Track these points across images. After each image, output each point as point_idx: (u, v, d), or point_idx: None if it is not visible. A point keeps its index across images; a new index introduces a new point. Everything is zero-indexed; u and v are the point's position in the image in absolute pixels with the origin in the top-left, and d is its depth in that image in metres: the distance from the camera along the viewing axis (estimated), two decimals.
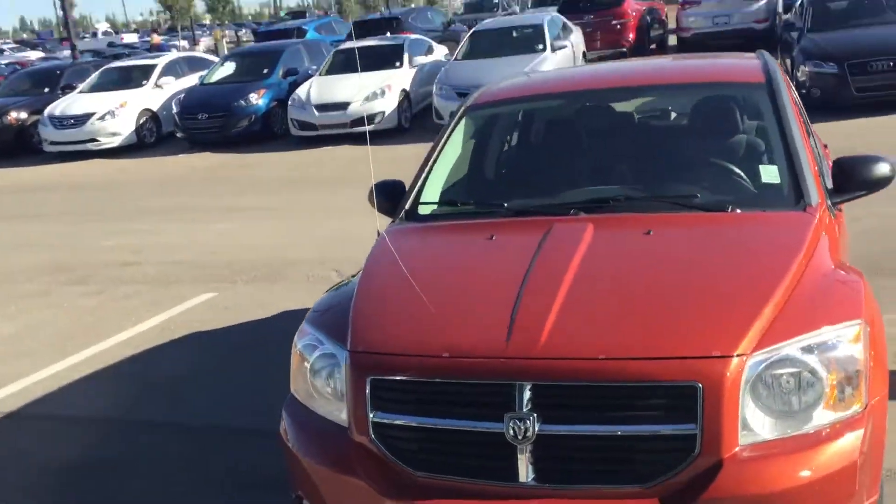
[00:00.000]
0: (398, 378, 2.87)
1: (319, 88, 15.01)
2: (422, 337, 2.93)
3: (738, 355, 2.58)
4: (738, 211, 3.38)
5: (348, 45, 16.86)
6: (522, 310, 2.87)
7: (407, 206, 3.99)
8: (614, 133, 4.16)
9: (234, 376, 5.65)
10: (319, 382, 3.12)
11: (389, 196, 4.14)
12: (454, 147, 4.30)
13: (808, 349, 2.65)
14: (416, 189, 4.05)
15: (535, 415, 2.64)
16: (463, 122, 4.35)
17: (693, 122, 4.11)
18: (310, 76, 16.05)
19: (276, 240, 9.34)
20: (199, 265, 8.60)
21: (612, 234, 3.34)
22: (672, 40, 20.41)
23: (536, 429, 2.64)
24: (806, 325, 2.70)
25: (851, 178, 3.56)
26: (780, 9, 19.17)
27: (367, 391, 2.89)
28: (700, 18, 18.45)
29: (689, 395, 2.55)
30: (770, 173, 3.60)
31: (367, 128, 14.31)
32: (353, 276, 3.77)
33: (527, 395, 2.67)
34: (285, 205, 11.15)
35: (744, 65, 4.32)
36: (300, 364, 3.23)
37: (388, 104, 14.60)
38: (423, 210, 3.99)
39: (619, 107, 4.29)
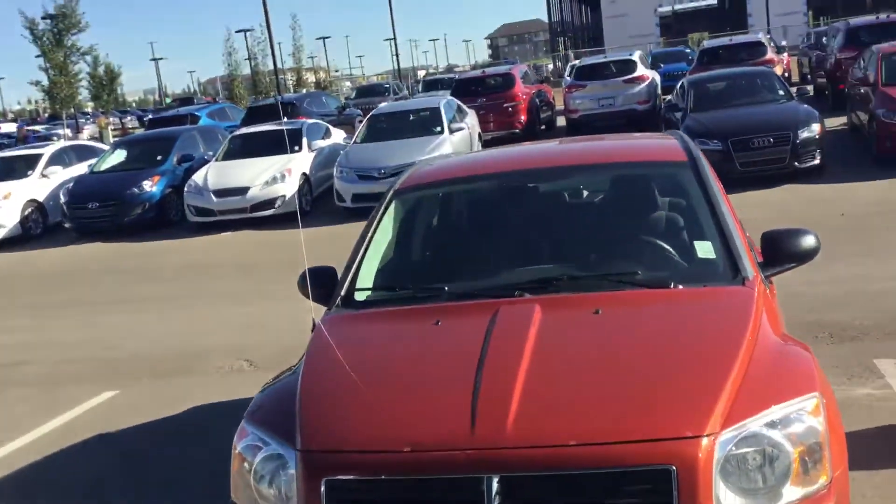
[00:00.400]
0: (356, 478, 2.72)
1: (217, 173, 14.76)
2: (379, 431, 2.80)
3: (708, 435, 2.55)
4: (681, 287, 3.40)
5: (245, 130, 16.72)
6: (483, 397, 2.78)
7: (343, 293, 3.87)
8: (546, 213, 4.18)
9: (145, 482, 5.30)
10: (265, 487, 2.93)
11: (320, 283, 4.01)
12: (384, 231, 4.23)
13: (771, 425, 2.64)
14: (351, 275, 3.94)
15: None
16: (392, 205, 4.29)
17: (622, 201, 4.18)
18: (206, 162, 15.79)
19: (180, 331, 8.98)
20: (97, 362, 8.15)
21: (561, 315, 3.30)
22: (560, 121, 21.08)
23: None
24: (766, 400, 2.71)
25: (780, 251, 3.65)
26: (659, 91, 20.15)
27: (322, 493, 2.71)
28: (587, 101, 19.19)
29: (664, 478, 2.50)
30: (705, 249, 3.66)
31: (268, 212, 14.12)
32: (290, 369, 3.60)
33: (495, 487, 2.56)
34: (187, 293, 10.77)
35: (664, 144, 4.44)
36: (242, 468, 3.03)
37: (288, 188, 14.46)
38: (360, 296, 3.87)
39: (548, 187, 4.32)
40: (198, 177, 14.88)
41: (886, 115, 12.01)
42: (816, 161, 12.13)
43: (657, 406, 2.69)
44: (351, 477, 2.72)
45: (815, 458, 2.63)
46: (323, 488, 2.72)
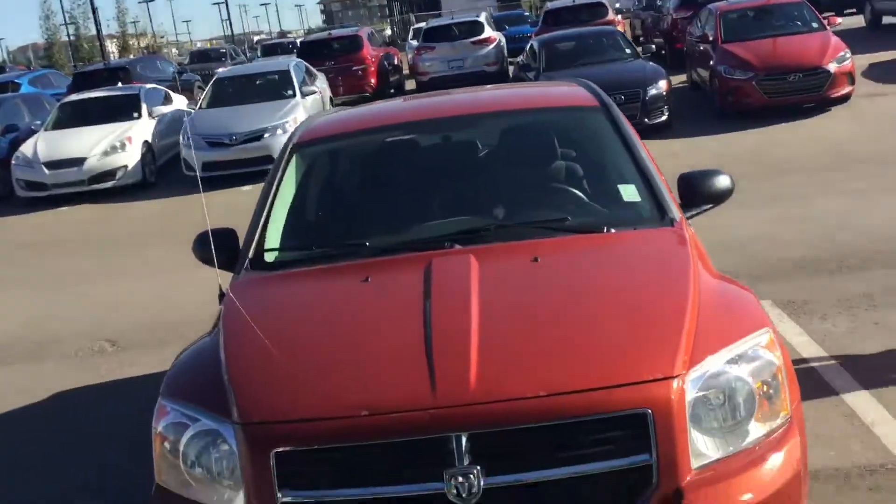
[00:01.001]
0: (310, 448, 2.48)
1: (48, 144, 13.66)
2: (330, 397, 2.57)
3: (678, 376, 2.48)
4: (613, 231, 3.33)
5: (75, 97, 15.54)
6: (438, 354, 2.59)
7: (251, 255, 3.57)
8: (463, 163, 4.01)
9: (12, 477, 4.81)
10: (197, 467, 2.64)
11: (219, 246, 3.68)
12: (287, 188, 3.94)
13: (732, 361, 2.60)
14: (258, 235, 3.64)
15: (478, 468, 2.37)
16: (294, 160, 4.00)
17: (539, 147, 4.06)
18: (33, 132, 14.59)
19: (27, 314, 8.25)
20: None
21: (499, 265, 3.15)
22: (410, 84, 20.91)
23: (482, 483, 2.36)
24: (723, 338, 2.67)
25: (697, 192, 3.65)
26: (505, 53, 20.31)
27: (272, 467, 2.46)
28: (436, 63, 19.11)
29: (641, 423, 2.40)
30: (629, 192, 3.61)
31: (108, 184, 13.22)
32: (196, 342, 3.29)
33: (465, 446, 2.39)
34: (29, 274, 9.92)
35: (572, 90, 4.34)
36: (164, 449, 2.73)
37: (129, 158, 13.56)
38: (270, 257, 3.58)
39: (462, 135, 4.15)
40: (26, 148, 13.73)
41: (727, 71, 12.55)
42: (664, 117, 12.55)
43: (623, 351, 2.59)
44: (303, 448, 2.48)
45: (775, 393, 2.61)
46: (272, 462, 2.46)
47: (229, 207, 12.54)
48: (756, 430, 2.55)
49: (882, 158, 9.98)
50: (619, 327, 2.70)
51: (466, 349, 2.59)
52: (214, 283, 3.54)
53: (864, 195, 8.59)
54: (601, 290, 2.94)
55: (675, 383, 2.46)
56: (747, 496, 2.43)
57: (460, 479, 2.36)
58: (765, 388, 2.60)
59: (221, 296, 3.61)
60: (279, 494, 2.46)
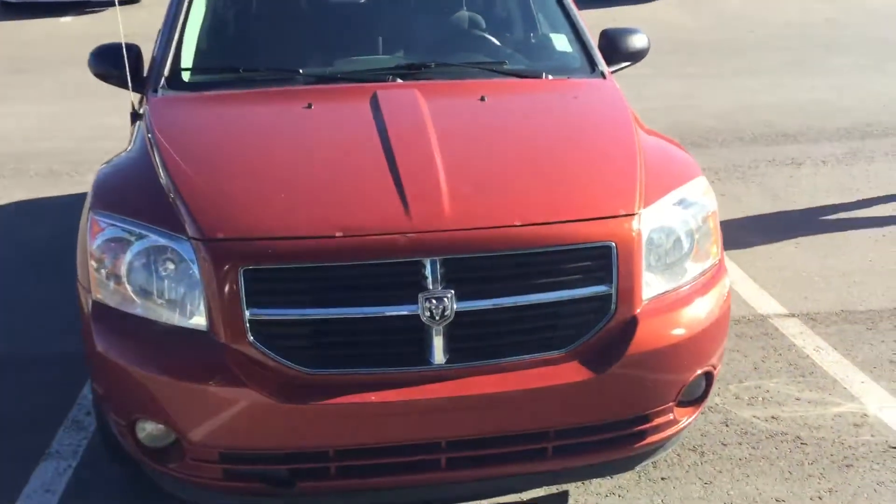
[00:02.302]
0: (282, 266, 2.43)
1: None
2: (304, 217, 2.51)
3: (637, 214, 2.62)
4: (551, 77, 3.39)
5: None
6: (407, 180, 2.59)
7: (166, 73, 3.34)
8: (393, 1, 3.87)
9: None
10: (143, 284, 2.54)
11: (116, 63, 3.41)
12: (197, 4, 3.67)
13: (677, 203, 2.78)
14: (173, 51, 3.40)
15: (451, 292, 2.43)
16: None
17: None
18: None
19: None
20: None
21: (447, 102, 3.15)
22: None
23: (455, 307, 2.43)
24: (667, 183, 2.83)
25: (617, 49, 3.76)
26: None
27: (241, 285, 2.41)
28: None
29: (604, 255, 2.54)
30: (562, 42, 3.66)
31: None
32: (117, 156, 3.09)
33: (440, 271, 2.44)
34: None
35: None
36: (103, 265, 2.59)
37: None
38: (188, 77, 3.37)
39: None
40: None
41: None
42: None
43: (587, 188, 2.70)
44: (274, 266, 2.43)
45: (708, 236, 2.83)
46: (241, 279, 2.41)
47: (50, 37, 11.58)
48: (692, 268, 2.76)
49: (713, 47, 10.62)
50: (578, 166, 2.81)
51: (434, 175, 2.61)
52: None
53: (698, 79, 9.16)
54: (554, 131, 3.02)
55: (635, 220, 2.60)
56: (692, 324, 2.65)
57: (434, 301, 2.41)
58: (700, 230, 2.80)
59: (134, 115, 3.39)
60: (247, 312, 2.42)
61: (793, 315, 4.29)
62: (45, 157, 6.86)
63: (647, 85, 8.39)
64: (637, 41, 3.78)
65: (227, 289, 2.42)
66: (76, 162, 6.69)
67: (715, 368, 2.78)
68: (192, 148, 2.84)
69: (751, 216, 5.57)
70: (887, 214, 5.55)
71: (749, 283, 4.62)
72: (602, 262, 2.54)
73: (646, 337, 2.56)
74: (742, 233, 5.24)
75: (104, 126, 7.31)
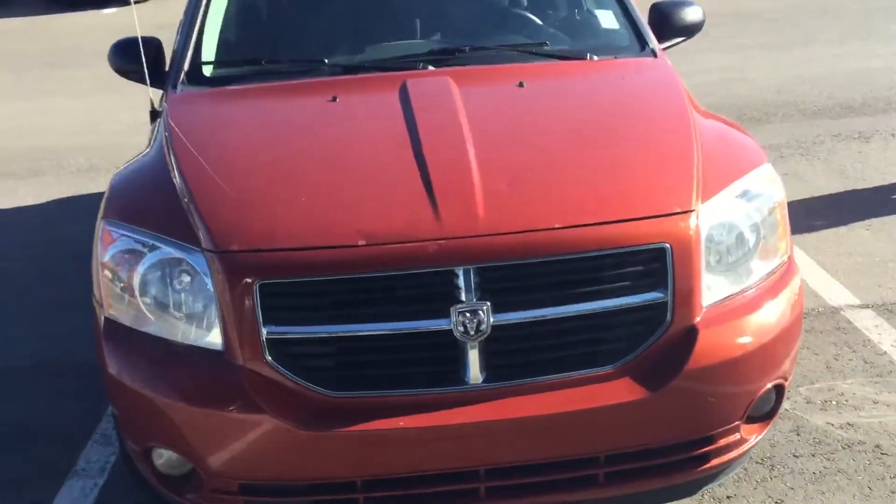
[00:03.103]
0: (300, 280, 2.22)
1: None
2: (323, 224, 2.29)
3: (694, 210, 2.34)
4: (596, 58, 3.10)
5: None
6: (437, 179, 2.35)
7: (186, 68, 3.14)
8: None
9: None
10: (157, 298, 2.34)
11: (139, 58, 3.21)
12: None
13: (741, 195, 2.49)
14: (193, 45, 3.20)
15: (487, 304, 2.19)
16: None
17: None
18: None
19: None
20: None
21: (482, 89, 2.89)
22: None
23: (491, 320, 2.19)
24: (729, 173, 2.54)
25: (669, 24, 3.45)
26: None
27: (257, 301, 2.20)
28: None
29: (658, 258, 2.27)
30: (608, 19, 3.37)
31: None
32: (133, 160, 2.90)
33: (474, 280, 2.19)
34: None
35: None
36: (116, 277, 2.40)
37: None
38: (209, 71, 3.17)
39: None
40: None
41: None
42: None
43: (637, 183, 2.43)
44: (293, 280, 2.21)
45: (775, 230, 2.54)
46: (257, 294, 2.19)
47: (91, 30, 11.53)
48: (759, 268, 2.48)
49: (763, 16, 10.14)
50: (628, 159, 2.53)
51: (468, 174, 2.36)
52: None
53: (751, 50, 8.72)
54: (600, 120, 2.74)
55: (692, 217, 2.32)
56: (760, 331, 2.37)
57: (468, 315, 2.17)
58: (766, 224, 2.51)
59: (153, 113, 3.20)
60: (264, 330, 2.21)
61: (867, 306, 3.96)
62: (84, 152, 6.77)
63: (699, 58, 8.00)
64: (691, 14, 3.47)
65: (243, 304, 2.21)
66: (116, 156, 6.58)
67: (787, 379, 2.50)
68: (209, 149, 2.63)
69: (817, 196, 5.21)
70: None
71: (817, 271, 4.28)
72: (656, 265, 2.27)
73: (707, 349, 2.28)
74: (808, 215, 4.89)
75: (143, 120, 7.19)
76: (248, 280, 2.20)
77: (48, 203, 5.84)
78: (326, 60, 3.08)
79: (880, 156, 5.83)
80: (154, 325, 2.35)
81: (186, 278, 2.33)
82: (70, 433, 3.33)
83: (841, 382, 3.38)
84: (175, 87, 3.08)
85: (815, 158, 5.86)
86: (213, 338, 2.29)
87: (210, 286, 2.27)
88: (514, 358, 2.27)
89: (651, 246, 2.27)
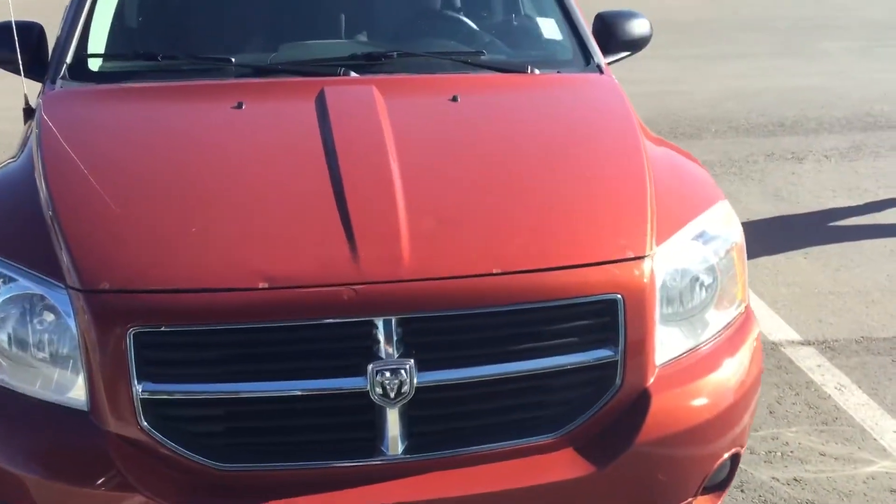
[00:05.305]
0: (184, 329, 1.84)
1: None
2: (217, 261, 1.91)
3: (649, 255, 2.04)
4: (537, 72, 2.79)
5: None
6: (357, 212, 2.00)
7: (69, 61, 2.71)
8: None
9: None
10: (12, 340, 1.94)
11: (14, 45, 2.77)
12: None
13: (697, 237, 2.21)
14: (79, 34, 2.76)
15: (411, 361, 1.85)
16: None
17: None
18: None
19: None
20: None
21: (410, 101, 2.55)
22: None
23: (415, 381, 1.85)
24: (684, 210, 2.26)
25: (614, 37, 3.16)
26: None
27: (130, 352, 1.81)
28: None
29: (609, 310, 1.96)
30: (550, 27, 3.05)
31: None
32: (4, 164, 2.47)
33: (396, 333, 1.85)
34: None
35: None
36: None
37: None
38: (96, 65, 2.74)
39: None
40: None
41: None
42: None
43: (585, 223, 2.11)
44: (175, 328, 1.83)
45: (732, 276, 2.26)
46: (131, 345, 1.81)
47: None
48: (716, 319, 2.20)
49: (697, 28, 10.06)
50: (574, 195, 2.21)
51: (392, 209, 2.01)
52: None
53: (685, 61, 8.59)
54: (544, 148, 2.41)
55: (646, 263, 2.02)
56: (719, 395, 2.08)
57: (388, 374, 1.83)
58: (724, 269, 2.24)
59: (28, 111, 2.76)
60: (139, 387, 1.82)
61: (808, 343, 3.76)
62: None
63: (636, 67, 7.79)
64: (638, 27, 3.18)
65: (112, 357, 1.82)
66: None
67: (743, 447, 2.23)
68: (85, 161, 2.21)
69: (753, 221, 5.03)
70: None
71: (756, 302, 4.07)
72: (605, 319, 1.97)
73: (661, 416, 1.99)
74: (744, 240, 4.69)
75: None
76: (120, 327, 1.81)
77: None
78: (233, 59, 2.68)
79: (814, 179, 5.71)
80: (6, 373, 1.94)
81: (49, 317, 1.92)
82: None
83: (785, 430, 3.15)
84: (53, 81, 2.65)
85: (748, 179, 5.71)
86: (77, 394, 1.89)
87: (75, 332, 1.87)
88: (441, 425, 1.94)
89: (601, 297, 1.96)
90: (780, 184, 5.62)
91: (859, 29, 10.04)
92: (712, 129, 6.73)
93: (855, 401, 3.34)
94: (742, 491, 2.84)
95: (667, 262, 2.10)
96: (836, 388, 3.42)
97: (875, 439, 3.11)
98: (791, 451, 3.04)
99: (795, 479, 2.90)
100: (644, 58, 8.48)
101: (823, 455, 3.02)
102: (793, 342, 3.75)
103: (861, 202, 5.29)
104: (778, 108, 7.21)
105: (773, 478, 2.90)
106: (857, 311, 4.02)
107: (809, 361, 3.61)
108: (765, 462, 2.98)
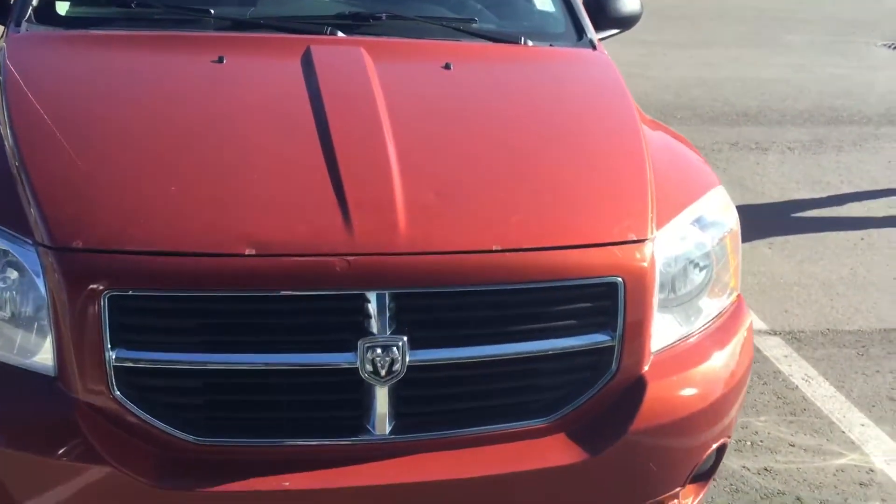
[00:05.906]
0: (163, 293, 1.72)
1: None
2: (200, 224, 1.79)
3: (650, 238, 1.98)
4: (531, 44, 2.69)
5: None
6: (350, 178, 1.89)
7: (35, 2, 2.53)
8: None
9: None
10: None
11: None
12: None
13: (695, 222, 2.15)
14: None
15: (404, 338, 1.76)
16: None
17: None
18: None
19: None
20: None
21: (402, 66, 2.43)
22: None
23: (407, 359, 1.76)
24: (682, 195, 2.20)
25: (604, 13, 3.08)
26: None
27: (104, 316, 1.69)
28: None
29: (610, 294, 1.90)
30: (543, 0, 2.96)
31: None
32: None
33: (388, 309, 1.76)
34: None
35: None
36: None
37: None
38: (64, 9, 2.57)
39: None
40: None
41: None
42: None
43: (586, 203, 2.04)
44: (153, 293, 1.71)
45: (727, 263, 2.21)
46: (105, 309, 1.68)
47: None
48: (708, 307, 2.15)
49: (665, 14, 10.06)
50: (575, 173, 2.14)
51: (388, 177, 1.91)
52: None
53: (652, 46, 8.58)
54: (540, 123, 2.32)
55: (647, 247, 1.96)
56: (712, 384, 2.04)
57: (379, 350, 1.74)
58: (718, 257, 2.19)
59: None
60: (112, 354, 1.70)
61: (775, 333, 3.76)
62: None
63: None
64: (629, 4, 3.11)
65: (84, 320, 1.70)
66: None
67: (730, 437, 2.19)
68: (54, 110, 2.06)
69: None
70: (862, 215, 5.08)
71: None
72: (605, 303, 1.90)
73: (656, 404, 1.93)
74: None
75: None
76: (94, 289, 1.68)
77: None
78: (213, 11, 2.54)
79: (778, 170, 5.73)
80: None
81: (13, 274, 1.79)
82: None
83: (754, 419, 3.14)
84: (18, 24, 2.47)
85: (714, 167, 5.58)
86: (43, 358, 1.76)
87: (43, 292, 1.74)
88: (432, 406, 1.86)
89: (602, 280, 1.89)
90: (745, 174, 5.63)
91: (823, 23, 10.15)
92: (678, 115, 6.72)
93: (822, 392, 3.35)
94: (713, 479, 2.82)
95: (666, 246, 2.03)
96: (803, 378, 3.43)
97: (843, 432, 3.11)
98: (761, 441, 3.03)
99: (766, 469, 2.89)
100: (614, 41, 8.46)
101: (793, 445, 3.02)
102: (760, 331, 3.74)
103: (824, 195, 5.33)
104: (742, 97, 7.24)
105: (744, 466, 2.89)
106: (822, 303, 4.04)
107: (776, 351, 3.62)
108: (735, 450, 2.96)
